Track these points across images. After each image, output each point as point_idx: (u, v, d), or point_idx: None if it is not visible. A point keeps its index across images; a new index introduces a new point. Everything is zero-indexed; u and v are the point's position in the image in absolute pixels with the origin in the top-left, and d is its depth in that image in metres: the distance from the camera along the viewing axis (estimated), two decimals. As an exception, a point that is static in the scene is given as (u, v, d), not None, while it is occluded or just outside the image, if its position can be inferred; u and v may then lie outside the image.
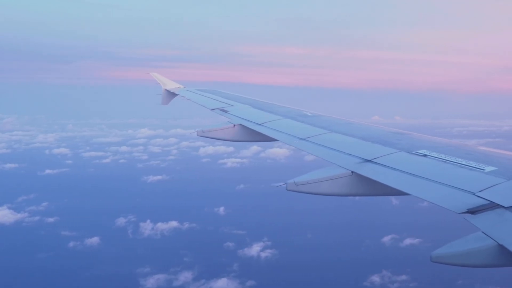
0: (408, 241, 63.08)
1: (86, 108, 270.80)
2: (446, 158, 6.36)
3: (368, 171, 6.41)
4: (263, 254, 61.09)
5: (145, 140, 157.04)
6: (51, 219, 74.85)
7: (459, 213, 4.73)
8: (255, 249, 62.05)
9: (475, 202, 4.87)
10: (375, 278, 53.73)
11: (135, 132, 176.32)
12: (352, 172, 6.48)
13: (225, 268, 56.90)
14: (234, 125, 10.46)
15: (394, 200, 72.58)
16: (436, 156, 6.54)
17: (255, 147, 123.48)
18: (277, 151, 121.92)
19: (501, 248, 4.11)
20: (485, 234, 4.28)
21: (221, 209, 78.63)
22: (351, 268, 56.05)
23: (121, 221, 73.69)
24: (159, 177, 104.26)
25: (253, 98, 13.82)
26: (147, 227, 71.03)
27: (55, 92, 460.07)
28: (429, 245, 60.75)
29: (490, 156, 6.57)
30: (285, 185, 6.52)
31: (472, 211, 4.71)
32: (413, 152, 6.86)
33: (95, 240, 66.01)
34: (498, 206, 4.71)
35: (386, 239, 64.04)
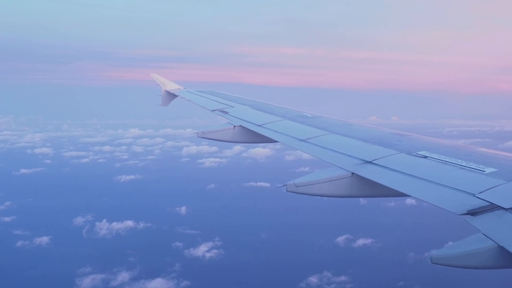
0: (360, 242, 63.31)
1: (83, 109, 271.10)
2: (446, 160, 6.36)
3: (368, 172, 6.38)
4: (208, 255, 60.74)
5: (131, 140, 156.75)
6: (7, 219, 73.80)
7: (459, 215, 4.71)
8: (202, 249, 61.72)
9: (475, 203, 4.85)
10: (313, 279, 53.29)
11: (124, 132, 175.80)
12: (352, 173, 6.43)
13: (166, 268, 56.32)
14: (234, 126, 10.44)
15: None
16: (436, 157, 6.54)
17: (238, 147, 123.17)
18: (260, 151, 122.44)
19: (502, 249, 4.08)
20: (485, 235, 4.25)
21: (183, 208, 78.25)
22: (293, 269, 55.57)
23: (78, 220, 72.84)
24: (132, 176, 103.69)
25: (253, 99, 13.73)
26: (102, 226, 70.32)
27: (52, 92, 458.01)
28: (380, 245, 61.98)
29: (490, 157, 6.57)
30: (285, 186, 6.47)
31: (472, 213, 4.69)
32: (413, 154, 6.84)
33: (44, 239, 65.06)
34: (498, 207, 4.69)
35: (340, 239, 64.13)
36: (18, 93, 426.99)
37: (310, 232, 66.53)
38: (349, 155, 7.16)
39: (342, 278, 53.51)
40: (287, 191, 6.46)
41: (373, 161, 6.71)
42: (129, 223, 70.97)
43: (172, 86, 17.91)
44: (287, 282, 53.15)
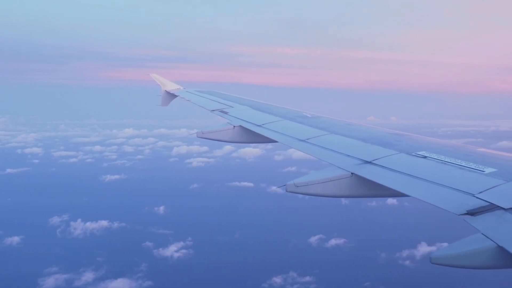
0: (333, 242, 63.27)
1: (82, 109, 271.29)
2: (446, 160, 6.33)
3: (367, 172, 6.34)
4: (176, 255, 60.47)
5: (123, 140, 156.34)
6: (-17, 218, 72.71)
7: (459, 215, 4.69)
8: (171, 250, 61.43)
9: (474, 203, 4.84)
10: (277, 280, 53.07)
11: (118, 132, 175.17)
12: (352, 173, 6.39)
13: (133, 268, 55.93)
14: (234, 126, 10.39)
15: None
16: (435, 157, 6.51)
17: (228, 147, 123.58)
18: (249, 151, 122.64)
19: (501, 249, 4.07)
20: (484, 235, 4.23)
21: (161, 208, 77.92)
22: (260, 269, 55.28)
23: (55, 220, 72.18)
24: (117, 176, 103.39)
25: (252, 100, 13.65)
26: (77, 226, 69.77)
27: (51, 92, 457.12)
28: (352, 245, 62.09)
29: (490, 157, 6.56)
30: (284, 186, 6.40)
31: (472, 213, 4.67)
32: (413, 154, 6.81)
33: (15, 239, 64.40)
34: (497, 207, 4.67)
35: (313, 239, 64.03)
36: (16, 93, 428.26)
37: (285, 232, 66.45)
38: (349, 155, 7.11)
39: (307, 278, 53.37)
40: (286, 191, 6.37)
41: (373, 161, 6.67)
42: (104, 223, 70.51)
43: (171, 86, 17.79)
44: (251, 282, 52.84)
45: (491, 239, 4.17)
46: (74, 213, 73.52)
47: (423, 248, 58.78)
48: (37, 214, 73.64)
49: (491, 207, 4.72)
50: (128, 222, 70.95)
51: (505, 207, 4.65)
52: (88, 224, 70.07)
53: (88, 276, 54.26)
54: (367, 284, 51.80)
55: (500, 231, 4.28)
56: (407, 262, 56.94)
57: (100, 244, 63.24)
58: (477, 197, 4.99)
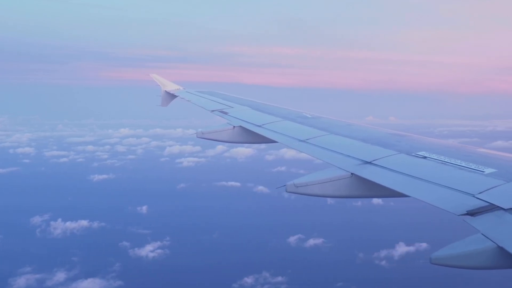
0: (312, 242, 62.75)
1: (81, 109, 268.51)
2: (446, 160, 6.29)
3: (367, 173, 6.29)
4: (151, 255, 59.79)
5: (117, 140, 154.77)
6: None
7: (459, 215, 4.66)
8: (147, 249, 60.72)
9: (474, 204, 4.80)
10: (248, 280, 52.50)
11: (114, 131, 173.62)
12: (352, 174, 6.33)
13: (106, 268, 55.24)
14: (234, 126, 10.30)
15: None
16: (435, 158, 6.47)
17: (220, 146, 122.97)
18: (241, 151, 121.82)
19: (501, 250, 4.03)
20: (484, 236, 4.19)
21: (144, 208, 77.11)
22: (233, 269, 54.60)
23: (36, 219, 71.25)
24: (105, 176, 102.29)
25: (252, 100, 13.56)
26: (57, 226, 68.89)
27: (50, 92, 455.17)
28: (330, 245, 61.74)
29: (490, 158, 6.53)
30: (285, 187, 6.34)
31: (472, 213, 4.63)
32: (413, 154, 6.76)
33: None
34: (497, 208, 4.64)
35: (292, 239, 63.47)
36: (16, 93, 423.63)
37: (266, 232, 65.83)
38: (349, 156, 7.06)
39: (279, 278, 52.91)
40: (286, 191, 6.32)
41: (373, 162, 6.62)
42: (84, 222, 69.66)
43: (171, 87, 17.66)
44: (222, 283, 52.21)
45: (491, 240, 4.13)
46: (56, 212, 72.58)
47: (401, 248, 58.70)
48: (19, 214, 72.65)
49: (491, 208, 4.68)
50: (108, 222, 70.11)
51: (505, 208, 4.61)
52: (68, 223, 69.24)
53: (60, 276, 53.54)
54: (339, 285, 51.48)
55: (500, 232, 4.25)
56: (383, 262, 56.70)
57: (77, 244, 62.50)
58: (477, 198, 4.95)
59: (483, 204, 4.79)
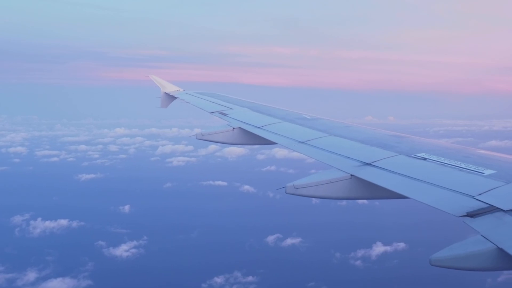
0: (289, 241, 62.21)
1: (79, 109, 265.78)
2: (445, 161, 6.27)
3: (367, 174, 6.26)
4: (125, 254, 59.06)
5: (111, 139, 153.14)
6: None
7: (459, 217, 4.64)
8: (122, 249, 60.02)
9: (474, 205, 4.78)
10: (218, 280, 51.85)
11: (109, 131, 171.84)
12: (351, 175, 6.31)
13: (79, 267, 54.55)
14: (234, 128, 10.22)
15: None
16: (435, 159, 6.44)
17: (213, 146, 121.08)
18: (233, 150, 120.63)
19: (501, 251, 4.02)
20: (484, 237, 4.19)
21: (126, 207, 76.30)
22: (205, 269, 53.92)
23: (17, 219, 70.16)
24: (93, 175, 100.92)
25: (252, 101, 13.50)
26: (36, 225, 68.01)
27: (48, 92, 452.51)
28: (308, 245, 61.36)
29: (489, 159, 6.53)
30: (284, 188, 6.30)
31: (472, 215, 4.62)
32: (412, 155, 6.74)
33: None
34: (497, 209, 4.62)
35: (270, 238, 62.90)
36: (14, 93, 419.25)
37: (245, 231, 65.24)
38: (348, 157, 7.00)
39: (250, 278, 52.40)
40: (286, 193, 6.30)
41: (372, 163, 6.58)
42: (63, 222, 68.78)
43: (171, 88, 17.55)
44: (191, 283, 51.48)
45: (490, 241, 4.12)
46: (37, 212, 71.66)
47: (378, 248, 58.57)
48: (0, 213, 71.49)
49: (491, 209, 4.66)
50: (88, 221, 69.24)
51: (505, 209, 4.59)
52: (47, 223, 68.33)
53: (31, 275, 52.78)
54: (311, 284, 51.02)
55: (500, 233, 4.23)
56: (358, 262, 56.35)
57: (54, 243, 61.65)
58: (477, 199, 4.93)
59: (483, 205, 4.76)
